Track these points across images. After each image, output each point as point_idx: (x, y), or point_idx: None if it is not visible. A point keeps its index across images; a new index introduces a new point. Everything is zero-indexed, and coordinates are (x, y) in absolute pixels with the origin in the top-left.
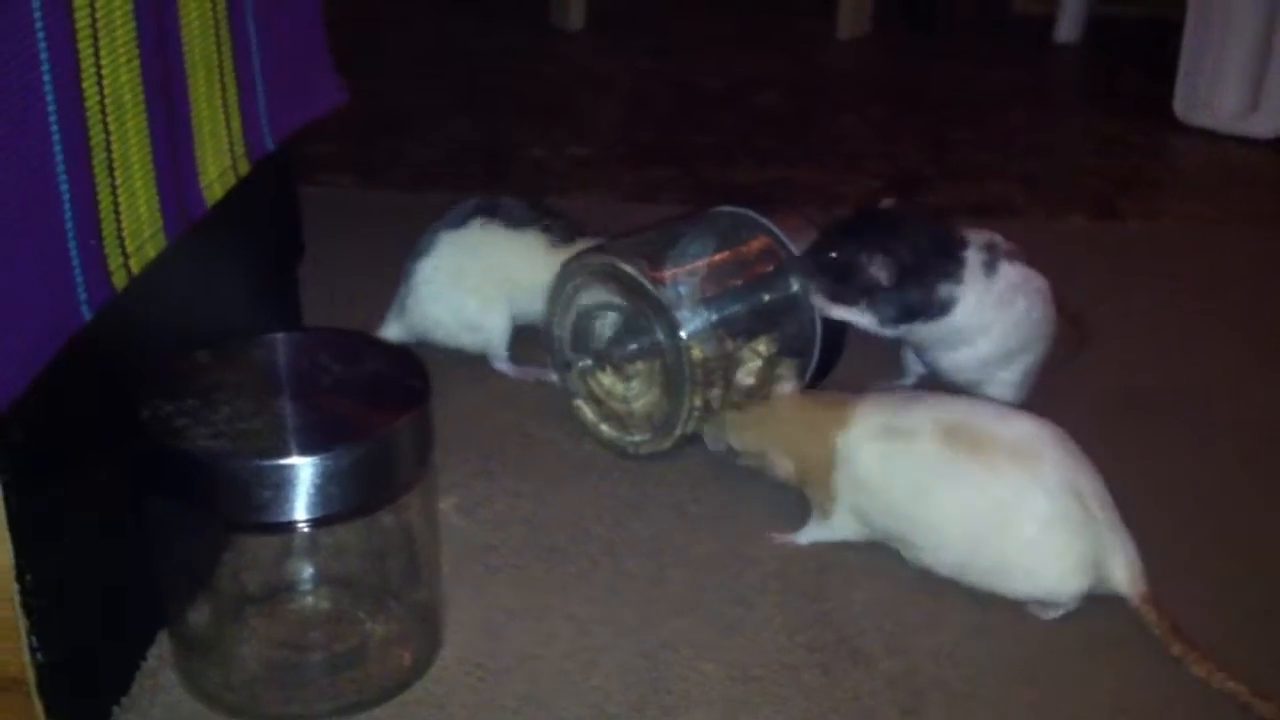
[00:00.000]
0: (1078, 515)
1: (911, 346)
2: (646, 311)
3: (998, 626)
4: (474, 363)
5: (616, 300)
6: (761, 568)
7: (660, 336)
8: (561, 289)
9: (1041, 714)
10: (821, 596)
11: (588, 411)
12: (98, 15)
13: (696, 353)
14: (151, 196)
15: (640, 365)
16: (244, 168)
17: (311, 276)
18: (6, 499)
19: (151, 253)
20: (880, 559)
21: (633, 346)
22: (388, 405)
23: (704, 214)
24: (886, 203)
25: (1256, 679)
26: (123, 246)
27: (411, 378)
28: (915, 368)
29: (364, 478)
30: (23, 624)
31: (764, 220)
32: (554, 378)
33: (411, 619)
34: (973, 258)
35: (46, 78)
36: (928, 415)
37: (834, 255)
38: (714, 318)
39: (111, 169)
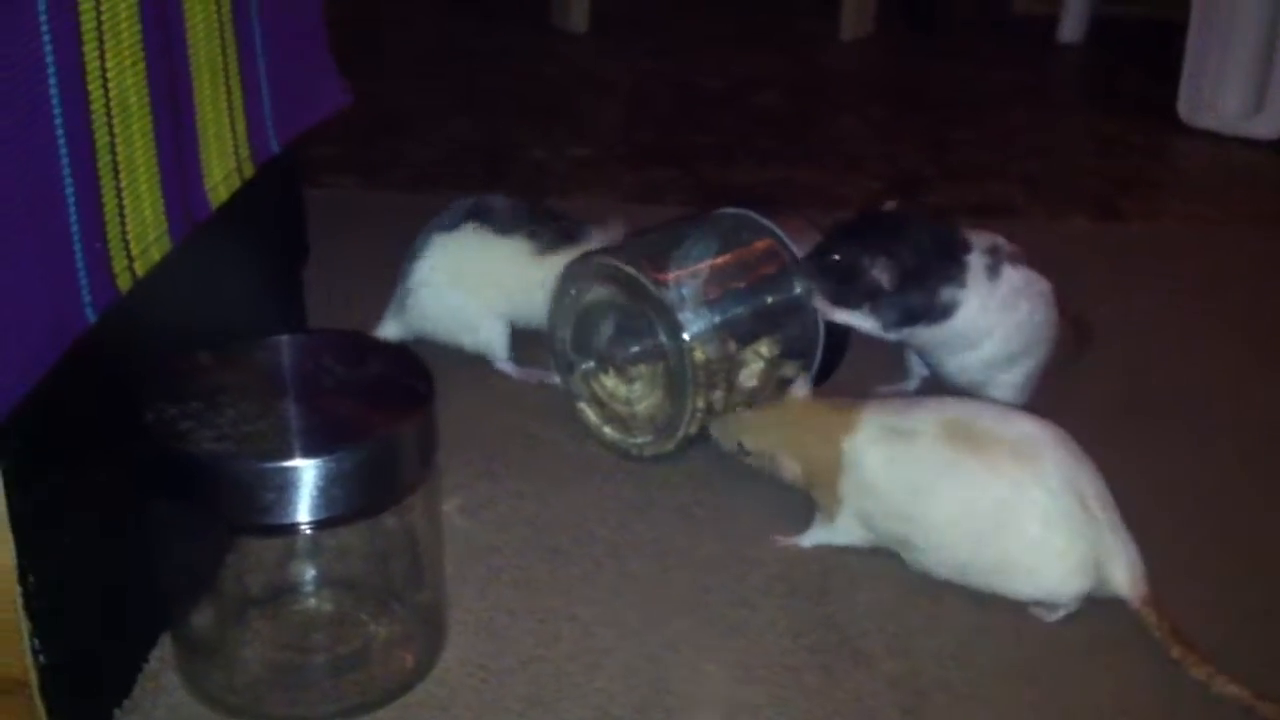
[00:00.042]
0: (1079, 515)
1: (914, 349)
2: (649, 313)
3: (999, 628)
4: (477, 364)
5: (619, 302)
6: (765, 570)
7: (663, 338)
8: (565, 291)
9: (1043, 715)
10: (824, 599)
11: (590, 414)
12: (103, 18)
13: (699, 355)
14: (156, 199)
15: (643, 367)
16: (249, 170)
17: (313, 277)
18: (9, 500)
19: (156, 255)
20: (883, 562)
21: (635, 349)
22: (391, 407)
23: (706, 216)
24: (889, 205)
25: (1258, 680)
26: (127, 249)
27: (415, 379)
28: (918, 370)
29: (367, 480)
30: (25, 626)
31: (766, 222)
32: (556, 379)
33: (415, 621)
34: (975, 261)
35: (52, 81)
36: (931, 416)
37: (836, 258)
38: (717, 320)
39: (116, 172)
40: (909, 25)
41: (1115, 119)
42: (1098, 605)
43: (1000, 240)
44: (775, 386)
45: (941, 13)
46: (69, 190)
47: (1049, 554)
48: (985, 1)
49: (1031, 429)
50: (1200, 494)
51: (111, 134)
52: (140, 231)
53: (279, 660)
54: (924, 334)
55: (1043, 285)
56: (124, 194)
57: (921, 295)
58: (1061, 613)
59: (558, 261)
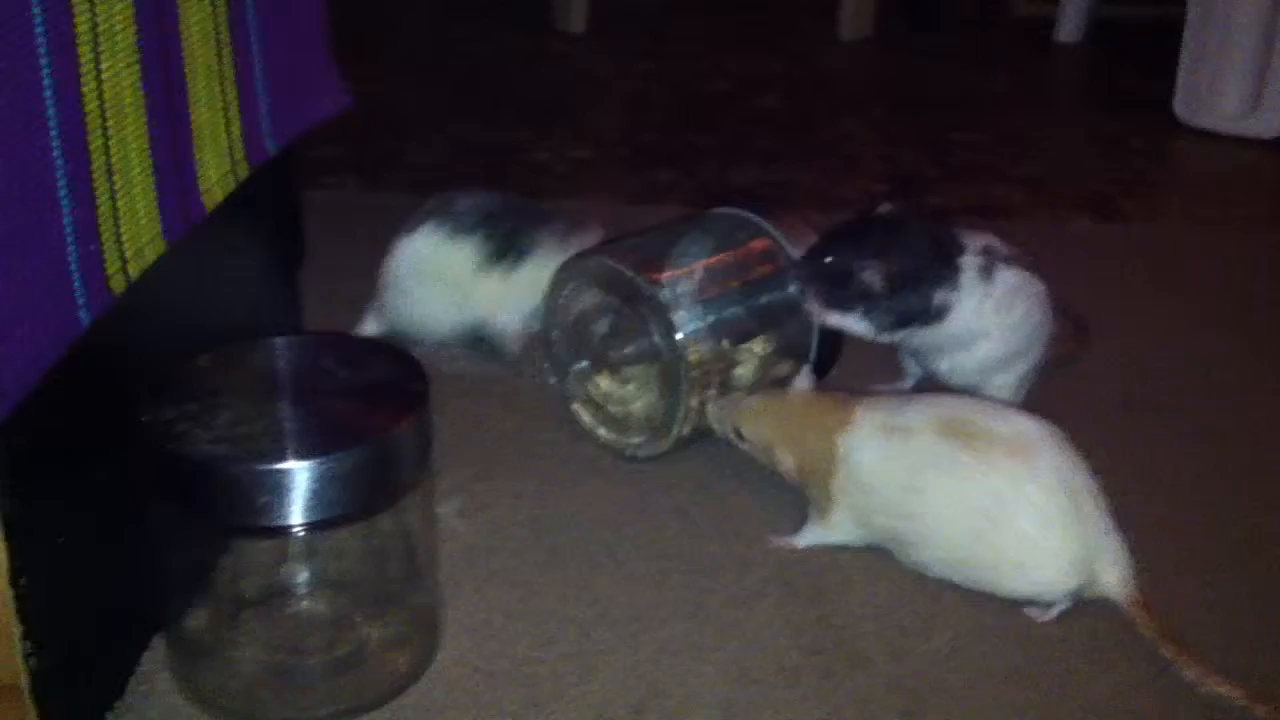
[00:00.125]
0: (1073, 513)
1: (909, 351)
2: (643, 313)
3: (997, 629)
4: (474, 363)
5: (613, 302)
6: (762, 571)
7: (657, 338)
8: (558, 291)
9: (1042, 716)
10: (821, 599)
11: (585, 415)
12: (98, 20)
13: (693, 354)
14: (151, 201)
15: (637, 368)
16: (244, 171)
17: (313, 279)
18: (1, 502)
19: (151, 257)
20: (880, 562)
21: (629, 349)
22: (387, 408)
23: (702, 216)
24: (884, 207)
25: (1257, 681)
26: (121, 251)
27: (411, 380)
28: (914, 370)
29: (363, 481)
30: (16, 629)
31: (762, 222)
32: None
33: (410, 622)
34: (970, 263)
35: (47, 82)
36: (926, 412)
37: (829, 261)
38: (711, 319)
39: (111, 173)
40: (909, 26)
41: (1115, 119)
42: (1097, 606)
43: (995, 241)
44: (769, 385)
45: (941, 13)
46: (63, 192)
47: (1042, 550)
48: (985, 2)
49: (1027, 426)
50: (1198, 494)
51: (106, 135)
52: (135, 233)
53: (273, 662)
54: (918, 336)
55: (1038, 286)
56: (118, 195)
57: (915, 298)
58: (1055, 612)
59: (495, 281)
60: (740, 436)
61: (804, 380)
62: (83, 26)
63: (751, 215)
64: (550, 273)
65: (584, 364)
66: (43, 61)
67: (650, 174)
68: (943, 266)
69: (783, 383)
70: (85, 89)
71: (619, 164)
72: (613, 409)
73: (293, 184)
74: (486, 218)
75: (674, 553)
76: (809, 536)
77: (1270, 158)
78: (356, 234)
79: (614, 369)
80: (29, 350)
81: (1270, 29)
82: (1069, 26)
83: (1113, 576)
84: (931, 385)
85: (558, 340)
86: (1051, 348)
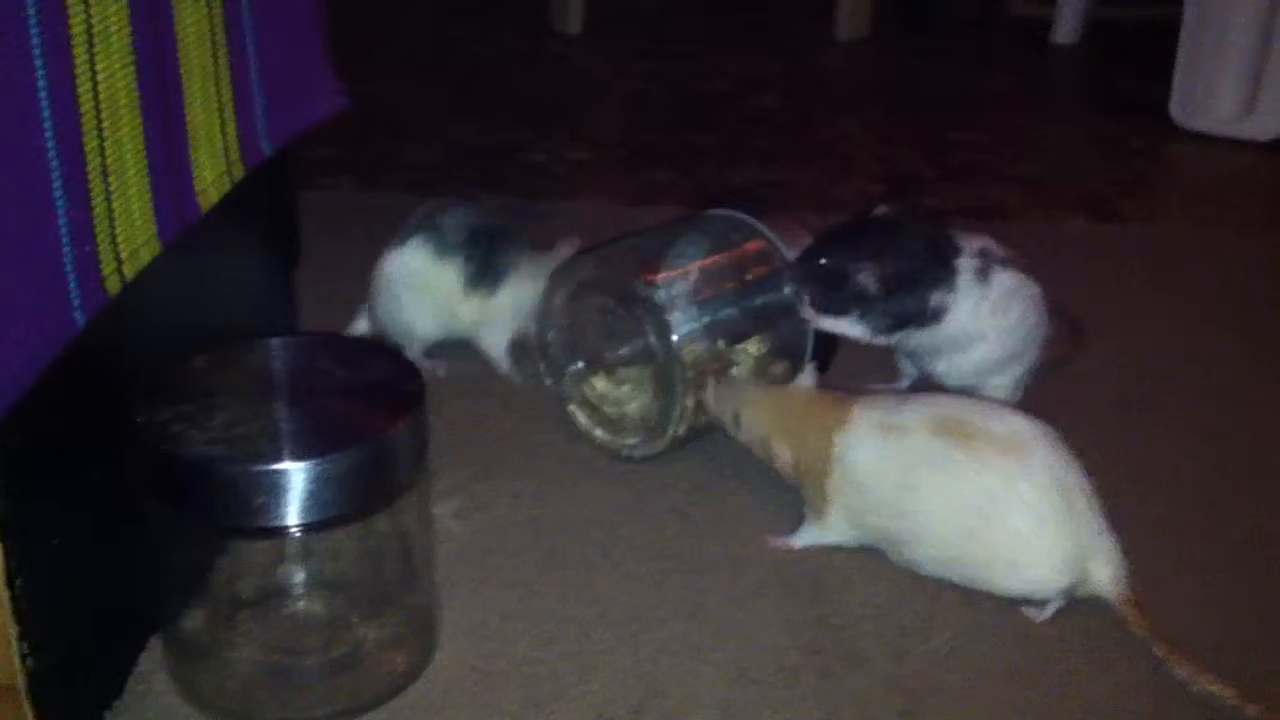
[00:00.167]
0: (1064, 511)
1: (905, 353)
2: (639, 314)
3: (996, 628)
4: (471, 366)
5: (608, 303)
6: (760, 570)
7: (652, 339)
8: (554, 293)
9: (1041, 716)
10: (820, 599)
11: (581, 416)
12: (93, 21)
13: (688, 355)
14: (146, 201)
15: (632, 369)
16: (240, 172)
17: (310, 279)
18: None
19: (146, 258)
20: (879, 562)
21: (625, 350)
22: (383, 409)
23: (697, 217)
24: (880, 209)
25: (1253, 681)
26: (117, 252)
27: (407, 381)
28: (910, 371)
29: (359, 482)
30: (13, 629)
31: (757, 223)
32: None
33: (407, 623)
34: (966, 265)
35: (41, 83)
36: (921, 411)
37: (824, 264)
38: (705, 320)
39: (106, 174)
40: (905, 26)
41: (1112, 121)
42: (1095, 605)
43: (991, 243)
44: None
45: (940, 14)
46: (58, 193)
47: (1034, 548)
48: (982, 3)
49: (1021, 425)
50: (1196, 494)
51: (101, 136)
52: (130, 234)
53: (270, 662)
54: (914, 338)
55: (1034, 288)
56: (113, 196)
57: (910, 301)
58: (1050, 611)
59: (476, 303)
60: (738, 423)
61: (808, 377)
62: (78, 27)
63: (746, 217)
64: (528, 293)
65: (580, 365)
66: (38, 62)
67: (648, 174)
68: (939, 268)
69: (778, 383)
70: (80, 90)
71: (617, 164)
72: (608, 410)
73: (288, 185)
74: (470, 236)
75: (672, 553)
76: (805, 537)
77: (1266, 160)
78: (352, 234)
79: (609, 370)
80: (24, 351)
81: (1266, 32)
82: (1066, 28)
83: (1105, 575)
84: (928, 386)
85: (553, 342)
86: (1047, 349)
